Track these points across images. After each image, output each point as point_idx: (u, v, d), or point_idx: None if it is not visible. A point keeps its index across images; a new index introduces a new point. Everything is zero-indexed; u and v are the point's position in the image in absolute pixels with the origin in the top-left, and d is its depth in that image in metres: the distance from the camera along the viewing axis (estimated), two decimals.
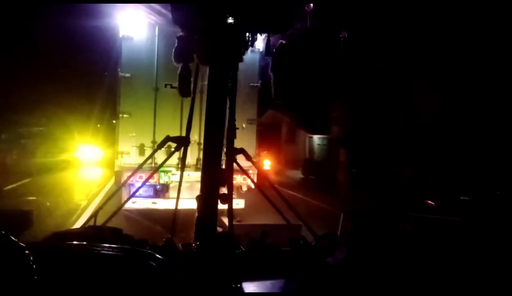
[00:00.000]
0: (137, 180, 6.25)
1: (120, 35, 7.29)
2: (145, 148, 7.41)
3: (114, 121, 8.21)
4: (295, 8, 1.96)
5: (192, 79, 2.34)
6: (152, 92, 7.38)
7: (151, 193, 7.39)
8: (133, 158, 7.39)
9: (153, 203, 7.22)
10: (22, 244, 1.27)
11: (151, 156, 2.44)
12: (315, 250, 2.10)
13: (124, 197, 5.61)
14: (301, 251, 2.05)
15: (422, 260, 1.77)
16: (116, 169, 7.56)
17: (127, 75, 7.35)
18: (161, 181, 7.30)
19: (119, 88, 7.48)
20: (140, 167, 2.67)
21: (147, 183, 6.29)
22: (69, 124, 25.59)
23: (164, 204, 7.12)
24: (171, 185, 7.36)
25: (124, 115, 7.46)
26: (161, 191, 7.43)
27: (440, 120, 12.69)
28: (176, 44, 2.14)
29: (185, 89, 2.30)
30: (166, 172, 7.13)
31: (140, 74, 7.39)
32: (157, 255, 1.55)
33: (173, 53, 2.18)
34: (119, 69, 7.46)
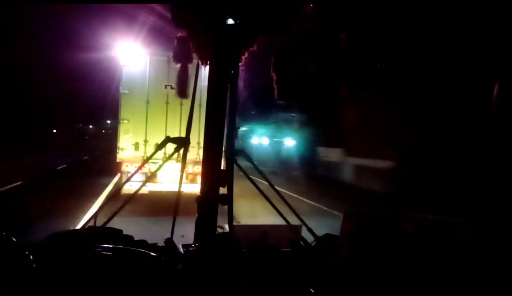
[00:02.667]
0: (134, 169, 7.89)
1: (121, 63, 10.02)
2: (139, 144, 9.92)
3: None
4: (295, 9, 1.95)
5: (191, 79, 2.34)
6: (144, 104, 10.01)
7: (144, 179, 9.26)
8: (130, 152, 9.94)
9: (146, 186, 9.05)
10: (22, 244, 1.27)
11: (154, 153, 2.61)
12: (315, 251, 2.09)
13: (126, 185, 6.81)
14: (301, 252, 2.05)
15: (422, 260, 1.77)
16: (117, 160, 10.16)
17: (126, 92, 10.09)
18: (151, 170, 8.95)
19: (120, 101, 10.17)
20: (144, 163, 3.01)
21: (140, 171, 7.53)
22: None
23: (154, 187, 9.37)
24: (158, 173, 9.37)
25: (124, 121, 10.12)
26: (151, 177, 9.27)
27: None
28: (175, 45, 2.14)
29: (183, 90, 2.30)
30: (155, 163, 8.66)
31: (136, 91, 10.04)
32: (157, 256, 1.55)
33: (172, 54, 2.18)
34: (120, 88, 10.16)
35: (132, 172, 7.93)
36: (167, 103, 9.65)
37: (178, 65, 2.23)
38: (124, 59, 9.96)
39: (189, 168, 9.40)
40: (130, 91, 10.03)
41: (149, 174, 9.17)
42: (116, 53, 9.96)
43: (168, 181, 9.41)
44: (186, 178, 9.26)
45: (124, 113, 10.14)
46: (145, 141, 9.91)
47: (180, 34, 2.08)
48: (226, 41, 1.91)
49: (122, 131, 10.14)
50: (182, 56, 2.16)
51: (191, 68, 2.26)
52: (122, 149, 10.10)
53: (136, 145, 9.93)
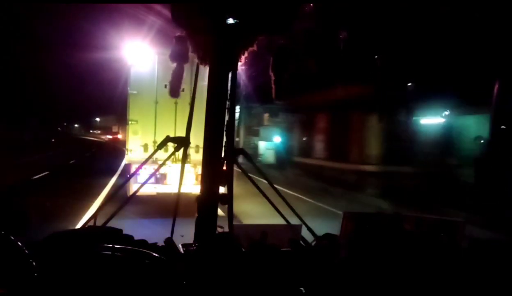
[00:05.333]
0: (142, 171, 7.86)
1: (129, 63, 9.81)
2: (148, 146, 9.73)
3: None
4: (294, 9, 1.95)
5: (189, 79, 2.34)
6: (153, 105, 9.82)
7: (153, 181, 9.19)
8: (139, 154, 9.69)
9: (155, 187, 9.23)
10: (22, 244, 1.27)
11: (154, 153, 2.66)
12: (315, 251, 2.09)
13: (132, 185, 7.33)
14: (301, 252, 2.05)
15: (422, 260, 1.77)
16: (126, 162, 10.29)
17: (134, 92, 9.88)
18: (161, 171, 8.97)
19: (128, 102, 10.03)
20: (145, 162, 3.10)
21: (149, 172, 7.59)
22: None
23: (162, 188, 9.25)
24: (168, 175, 9.49)
25: (132, 122, 9.94)
26: (160, 179, 9.46)
27: None
28: (173, 44, 2.14)
29: (174, 89, 2.29)
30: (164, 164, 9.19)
31: (144, 91, 9.81)
32: (157, 255, 1.54)
33: (169, 53, 2.18)
34: (128, 88, 9.99)
35: (141, 172, 7.75)
36: (176, 103, 9.36)
37: (175, 64, 2.23)
38: (132, 59, 9.74)
39: (199, 169, 9.04)
40: (138, 91, 9.85)
41: (158, 175, 9.12)
42: (124, 53, 9.74)
43: (177, 183, 9.02)
44: (196, 179, 9.09)
45: (132, 114, 9.96)
46: (154, 142, 9.73)
47: (178, 33, 2.08)
48: (226, 41, 1.91)
49: (131, 133, 9.96)
50: (180, 56, 2.16)
51: (186, 68, 2.25)
52: (131, 150, 9.93)
53: (145, 147, 9.76)
